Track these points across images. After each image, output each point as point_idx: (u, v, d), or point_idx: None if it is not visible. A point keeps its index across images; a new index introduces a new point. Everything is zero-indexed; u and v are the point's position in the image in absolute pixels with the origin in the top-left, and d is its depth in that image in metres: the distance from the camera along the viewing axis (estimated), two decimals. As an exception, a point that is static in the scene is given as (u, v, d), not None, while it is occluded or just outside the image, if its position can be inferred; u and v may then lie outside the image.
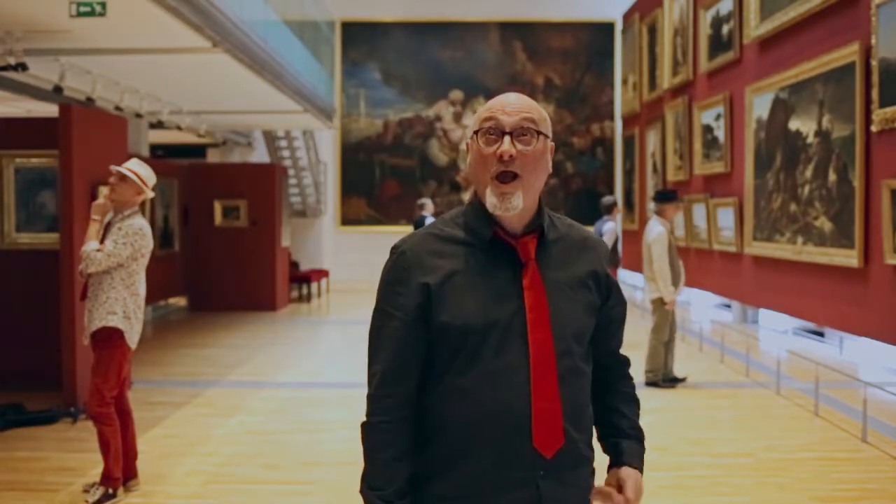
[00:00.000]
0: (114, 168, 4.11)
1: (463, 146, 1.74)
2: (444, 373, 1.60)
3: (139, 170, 4.10)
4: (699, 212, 10.22)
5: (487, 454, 1.57)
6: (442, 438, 1.61)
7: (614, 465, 1.70)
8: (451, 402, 1.59)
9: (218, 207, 11.39)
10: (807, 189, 7.31)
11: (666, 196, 6.81)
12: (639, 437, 1.76)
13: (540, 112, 1.62)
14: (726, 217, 9.40)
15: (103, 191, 4.27)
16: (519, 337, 1.57)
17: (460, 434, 1.58)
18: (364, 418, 1.65)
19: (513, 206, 1.58)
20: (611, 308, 1.72)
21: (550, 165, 1.67)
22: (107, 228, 4.11)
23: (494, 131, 1.58)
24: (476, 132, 1.61)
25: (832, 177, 6.82)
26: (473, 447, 1.57)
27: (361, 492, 1.63)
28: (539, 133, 1.60)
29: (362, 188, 16.41)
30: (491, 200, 1.58)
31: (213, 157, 15.53)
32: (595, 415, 1.73)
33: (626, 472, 1.67)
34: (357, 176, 16.38)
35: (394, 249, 1.65)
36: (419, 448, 1.64)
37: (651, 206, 8.31)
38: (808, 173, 7.26)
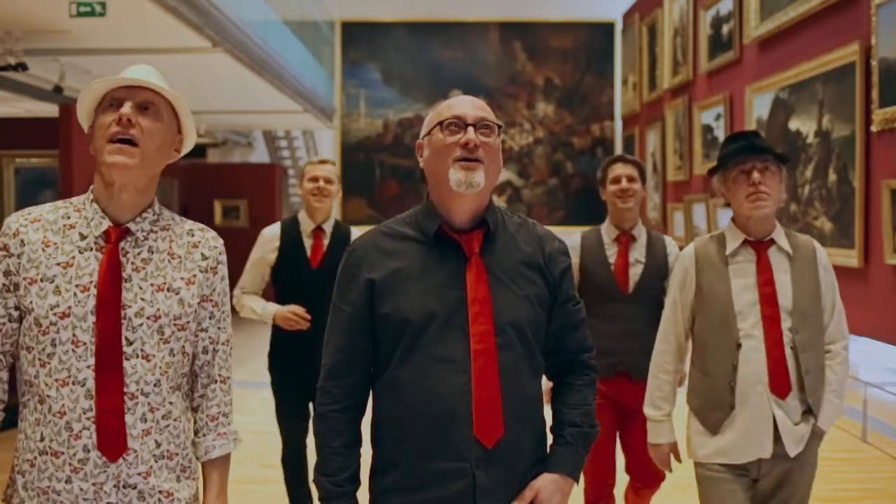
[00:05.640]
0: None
1: (422, 141, 1.71)
2: (388, 365, 1.64)
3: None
4: (699, 212, 10.22)
5: (425, 445, 1.59)
6: (387, 430, 1.65)
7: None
8: (393, 394, 1.63)
9: (218, 207, 11.40)
10: (807, 189, 7.31)
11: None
12: (575, 434, 1.71)
13: (493, 114, 1.70)
14: (726, 217, 9.36)
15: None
16: (460, 330, 1.60)
17: (401, 425, 1.62)
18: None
19: (476, 182, 1.61)
20: (560, 306, 1.72)
21: (502, 163, 1.73)
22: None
23: (458, 123, 1.63)
24: (439, 124, 1.65)
25: (832, 177, 6.82)
26: (413, 438, 1.60)
27: (314, 480, 1.67)
28: (498, 127, 1.67)
29: (362, 188, 16.41)
30: (455, 177, 1.61)
31: (213, 157, 15.52)
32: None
33: (539, 482, 1.65)
34: (357, 176, 16.37)
35: (347, 248, 1.71)
36: (375, 442, 1.69)
37: None
38: (808, 173, 7.26)
